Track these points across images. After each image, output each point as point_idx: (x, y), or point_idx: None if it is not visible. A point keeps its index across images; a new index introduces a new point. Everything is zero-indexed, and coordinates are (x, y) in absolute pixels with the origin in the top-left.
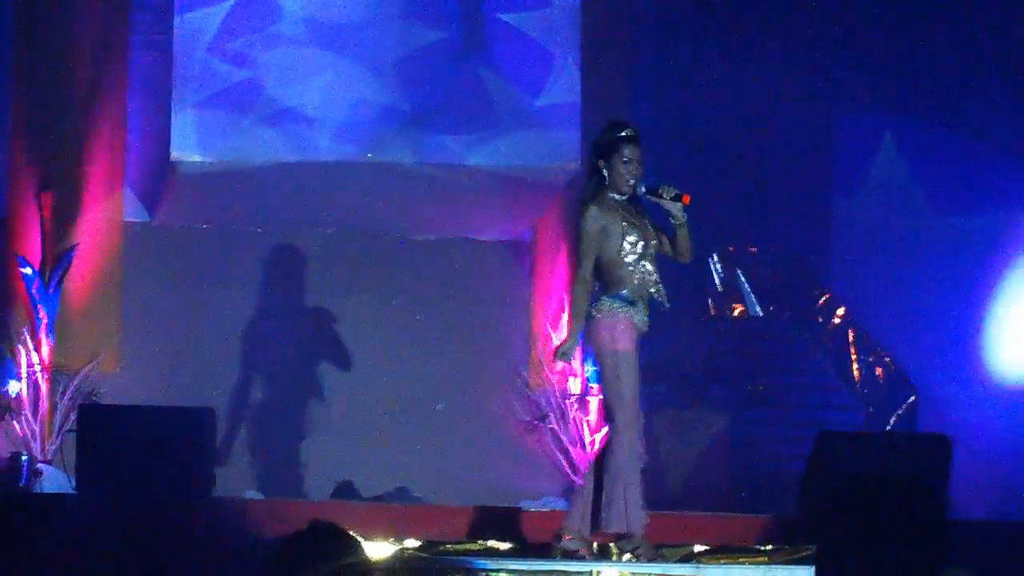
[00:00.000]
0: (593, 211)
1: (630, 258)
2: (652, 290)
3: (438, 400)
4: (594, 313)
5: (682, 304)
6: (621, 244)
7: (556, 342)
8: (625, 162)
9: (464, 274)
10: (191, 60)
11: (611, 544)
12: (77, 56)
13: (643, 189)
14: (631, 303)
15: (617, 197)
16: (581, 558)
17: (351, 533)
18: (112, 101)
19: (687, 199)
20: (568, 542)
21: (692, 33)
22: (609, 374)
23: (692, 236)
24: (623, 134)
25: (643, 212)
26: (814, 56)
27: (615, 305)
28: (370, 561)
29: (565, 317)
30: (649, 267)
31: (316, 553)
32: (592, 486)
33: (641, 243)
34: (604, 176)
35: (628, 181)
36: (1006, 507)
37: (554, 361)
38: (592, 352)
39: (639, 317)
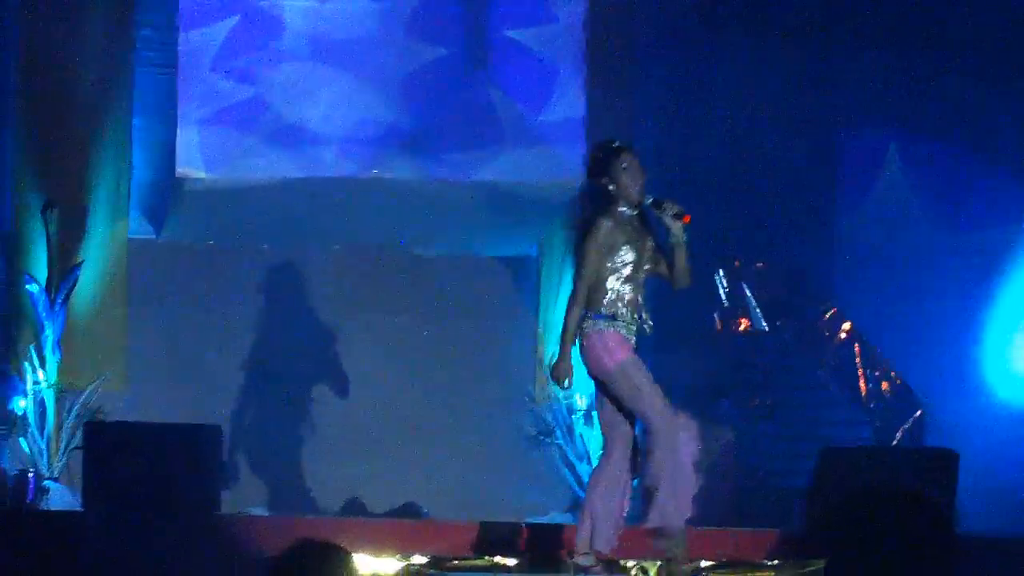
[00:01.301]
0: (607, 224)
1: (612, 278)
2: (627, 311)
3: (444, 416)
4: (581, 338)
5: (688, 319)
6: (613, 261)
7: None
8: (625, 168)
9: (469, 290)
10: (195, 77)
11: (620, 560)
12: (81, 73)
13: (649, 199)
14: (611, 318)
15: (627, 211)
16: (596, 574)
17: (339, 546)
18: (117, 118)
19: (688, 219)
20: (582, 559)
21: (696, 50)
22: (624, 388)
23: (691, 261)
24: (615, 144)
25: (648, 230)
26: (817, 71)
27: (599, 323)
28: (356, 571)
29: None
30: (628, 290)
31: (302, 568)
32: (606, 501)
33: (631, 266)
34: (610, 191)
35: (635, 188)
36: (1012, 521)
37: (552, 383)
38: (596, 377)
39: (625, 330)
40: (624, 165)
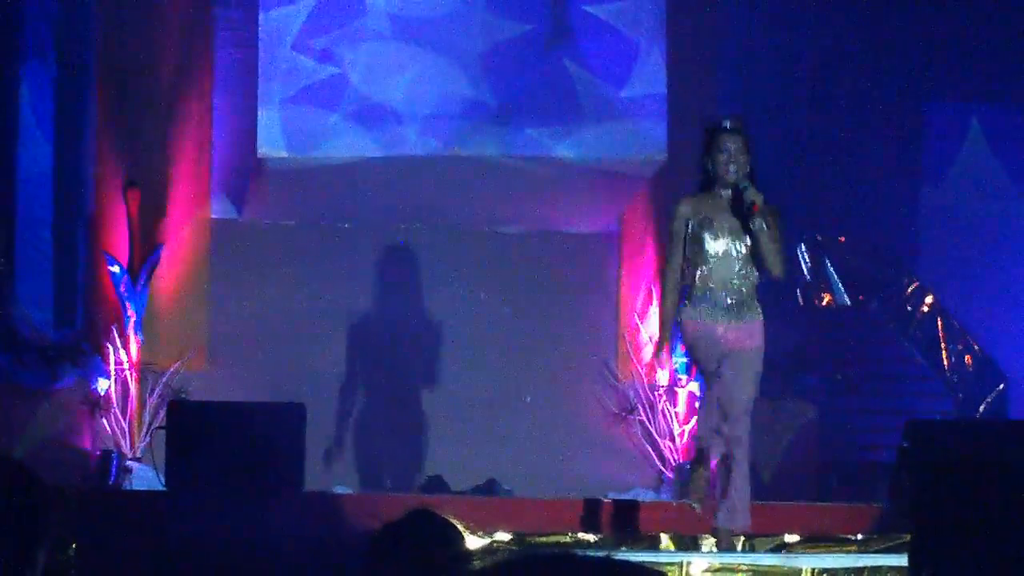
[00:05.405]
0: (683, 208)
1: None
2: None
3: (526, 393)
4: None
5: (770, 294)
6: (703, 242)
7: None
8: (721, 149)
9: (551, 267)
10: (276, 57)
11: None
12: (162, 54)
13: (744, 185)
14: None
15: (722, 192)
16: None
17: (452, 521)
18: (197, 98)
19: (756, 208)
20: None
21: (778, 22)
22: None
23: (781, 251)
24: (715, 124)
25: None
26: (900, 43)
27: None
28: (469, 551)
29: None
30: (721, 271)
31: (414, 541)
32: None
33: (723, 243)
34: (708, 172)
35: (728, 169)
36: None
37: None
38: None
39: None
40: (720, 146)
